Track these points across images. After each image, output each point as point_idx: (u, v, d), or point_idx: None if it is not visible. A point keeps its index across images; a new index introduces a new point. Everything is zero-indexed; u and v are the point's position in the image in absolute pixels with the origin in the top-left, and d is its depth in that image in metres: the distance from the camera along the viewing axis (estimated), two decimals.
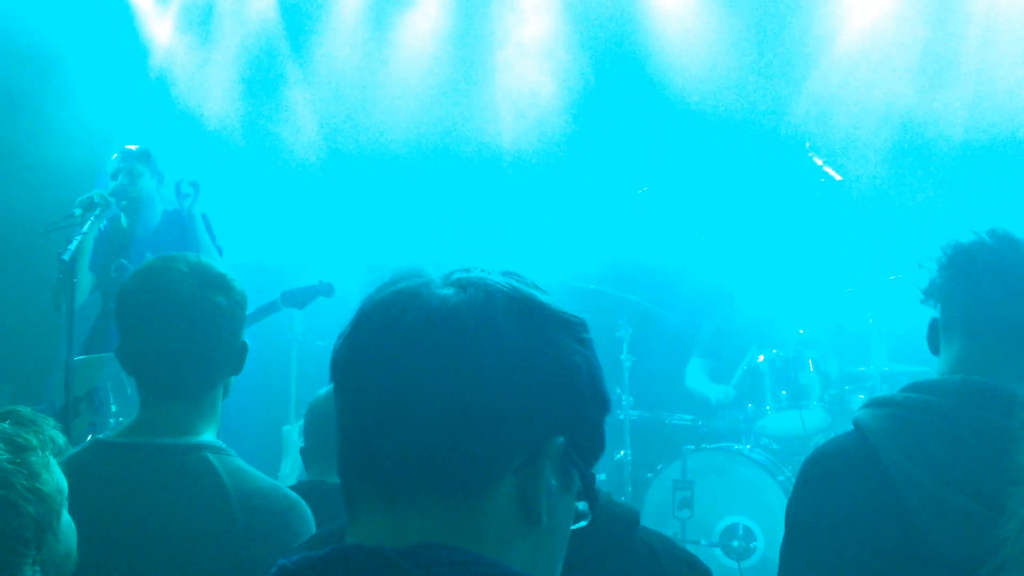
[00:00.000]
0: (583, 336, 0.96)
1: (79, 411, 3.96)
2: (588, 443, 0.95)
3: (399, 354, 0.89)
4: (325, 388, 2.58)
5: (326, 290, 4.59)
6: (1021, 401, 1.62)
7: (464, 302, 0.91)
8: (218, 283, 1.88)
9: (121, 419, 4.07)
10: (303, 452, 2.60)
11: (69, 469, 1.80)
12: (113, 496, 1.77)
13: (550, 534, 0.93)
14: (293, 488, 2.28)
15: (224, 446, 1.87)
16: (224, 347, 1.89)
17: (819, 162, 5.21)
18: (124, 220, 4.56)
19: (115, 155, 4.54)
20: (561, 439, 0.91)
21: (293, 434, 5.47)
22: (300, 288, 4.63)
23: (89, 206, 4.05)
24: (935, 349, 1.88)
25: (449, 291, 0.92)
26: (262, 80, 6.43)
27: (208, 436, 1.87)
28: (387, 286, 0.95)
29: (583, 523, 0.97)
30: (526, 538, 0.90)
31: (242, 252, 5.33)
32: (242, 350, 1.94)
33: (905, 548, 1.64)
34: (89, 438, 4.06)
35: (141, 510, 1.75)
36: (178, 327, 1.84)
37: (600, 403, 0.97)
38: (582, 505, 0.97)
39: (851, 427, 1.84)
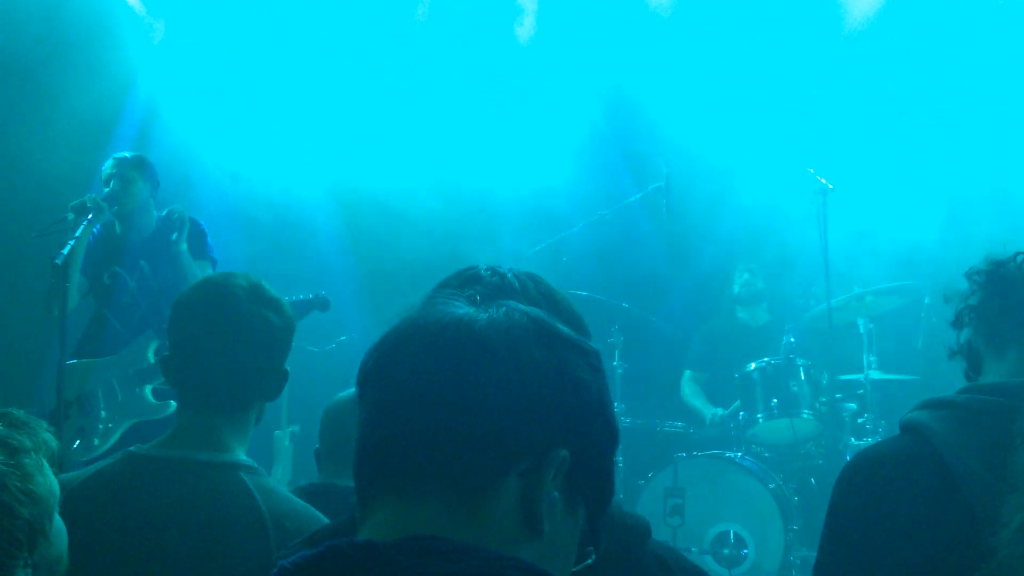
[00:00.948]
0: (596, 364, 1.01)
1: (68, 415, 3.95)
2: (594, 473, 0.98)
3: (420, 358, 0.96)
4: (342, 392, 2.59)
5: (322, 304, 4.59)
6: None
7: (485, 316, 0.98)
8: (274, 306, 1.91)
9: (110, 425, 4.06)
10: (316, 454, 2.60)
11: (104, 479, 1.79)
12: (146, 508, 1.77)
13: (553, 551, 0.95)
14: (303, 489, 2.28)
15: (256, 465, 1.88)
16: (269, 370, 1.92)
17: (811, 170, 5.24)
18: (119, 226, 4.55)
19: (109, 161, 4.54)
20: (565, 452, 0.94)
21: (284, 439, 5.47)
22: (296, 301, 4.62)
23: (81, 211, 4.05)
24: (977, 370, 1.86)
25: (472, 308, 0.99)
26: (256, 83, 6.43)
27: (240, 454, 1.88)
28: (422, 305, 1.02)
29: (589, 561, 1.00)
30: (529, 548, 0.93)
31: (237, 261, 5.33)
32: (283, 377, 1.96)
33: (971, 550, 1.58)
34: (77, 443, 4.06)
35: (174, 524, 1.75)
36: (234, 345, 1.86)
37: (608, 430, 1.00)
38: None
39: (848, 434, 1.82)
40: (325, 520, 1.85)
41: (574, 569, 0.99)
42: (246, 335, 1.86)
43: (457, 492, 0.91)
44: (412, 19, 6.56)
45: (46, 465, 1.35)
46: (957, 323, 1.87)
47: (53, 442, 1.37)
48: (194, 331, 1.89)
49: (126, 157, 4.55)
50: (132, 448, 1.88)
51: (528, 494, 0.93)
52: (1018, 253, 1.83)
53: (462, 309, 0.98)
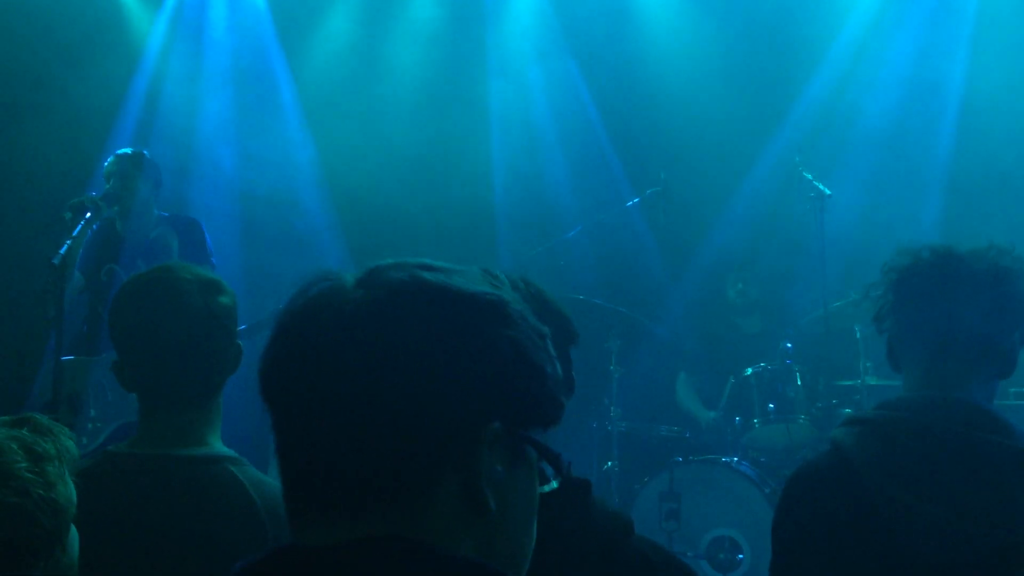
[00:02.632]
0: (503, 311, 0.90)
1: (59, 413, 3.94)
2: (533, 414, 0.91)
3: (315, 365, 0.87)
4: None
5: None
6: (990, 412, 1.73)
7: (370, 302, 0.88)
8: (210, 289, 1.86)
9: (99, 424, 4.05)
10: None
11: (82, 481, 1.78)
12: (134, 508, 1.74)
13: (505, 519, 0.90)
14: None
15: (239, 456, 1.85)
16: (222, 352, 1.88)
17: (808, 176, 5.23)
18: (118, 224, 4.54)
19: (111, 158, 4.54)
20: (497, 424, 0.87)
21: None
22: None
23: (79, 210, 4.04)
24: (897, 367, 1.94)
25: (358, 293, 0.89)
26: (254, 86, 6.42)
27: (220, 446, 1.86)
28: (299, 295, 0.92)
29: (554, 484, 0.95)
30: (476, 530, 0.88)
31: (235, 262, 5.33)
32: (238, 353, 1.92)
33: (884, 561, 1.70)
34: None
35: (165, 522, 1.72)
36: (177, 338, 1.81)
37: (535, 375, 0.91)
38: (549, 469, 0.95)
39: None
40: None
41: (542, 489, 0.94)
42: (188, 327, 1.81)
43: (392, 502, 0.85)
44: (412, 22, 6.56)
45: (67, 473, 1.33)
46: (878, 319, 1.94)
47: (74, 450, 1.36)
48: (136, 333, 1.84)
49: (127, 154, 4.55)
50: (109, 447, 1.85)
51: (468, 483, 0.86)
52: (923, 247, 1.88)
53: (347, 298, 0.88)
